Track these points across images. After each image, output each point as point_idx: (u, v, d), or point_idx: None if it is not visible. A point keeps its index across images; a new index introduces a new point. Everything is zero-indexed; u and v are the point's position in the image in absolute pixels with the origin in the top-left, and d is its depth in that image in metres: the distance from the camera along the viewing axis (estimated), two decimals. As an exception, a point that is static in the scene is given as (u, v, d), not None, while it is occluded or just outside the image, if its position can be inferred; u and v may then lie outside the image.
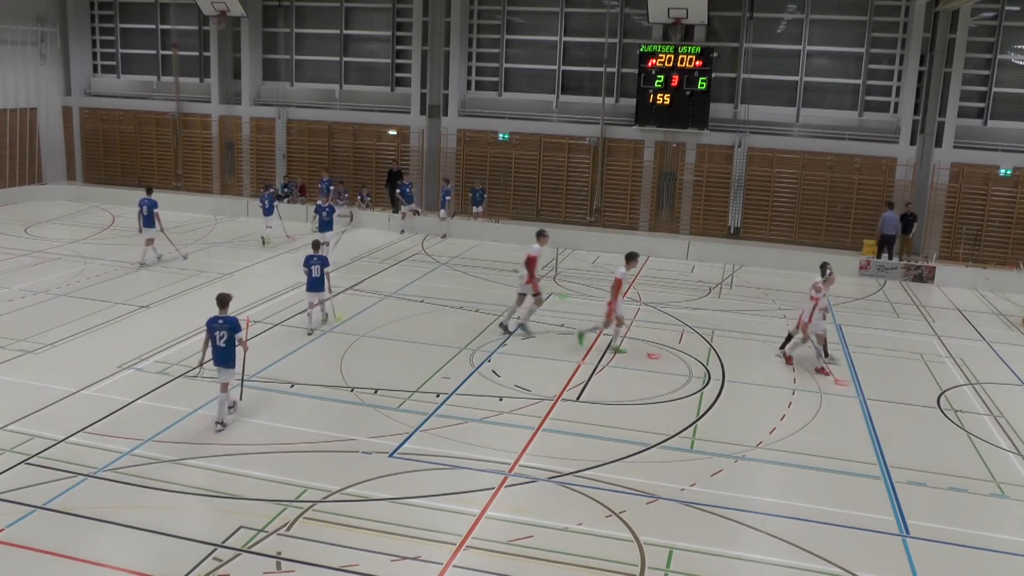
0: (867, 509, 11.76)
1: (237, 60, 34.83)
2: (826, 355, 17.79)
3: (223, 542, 9.98)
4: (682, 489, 11.91)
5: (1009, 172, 28.21)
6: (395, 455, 12.51)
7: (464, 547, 10.13)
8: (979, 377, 17.99)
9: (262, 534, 10.19)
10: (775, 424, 14.58)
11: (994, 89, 28.81)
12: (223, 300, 13.32)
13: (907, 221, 28.35)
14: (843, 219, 29.25)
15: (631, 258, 18.31)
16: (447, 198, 30.25)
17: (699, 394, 15.92)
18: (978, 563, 10.64)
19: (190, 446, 12.48)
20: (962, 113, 28.63)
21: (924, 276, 27.42)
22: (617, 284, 17.87)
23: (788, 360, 17.83)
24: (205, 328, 13.24)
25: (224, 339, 12.99)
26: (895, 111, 29.51)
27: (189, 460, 12.03)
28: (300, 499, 11.04)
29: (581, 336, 18.41)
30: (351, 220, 30.31)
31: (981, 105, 29.03)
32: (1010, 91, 28.77)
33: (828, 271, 18.02)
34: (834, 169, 29.34)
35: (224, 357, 13.08)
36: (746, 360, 18.03)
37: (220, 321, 13.07)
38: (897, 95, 29.45)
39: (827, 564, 10.22)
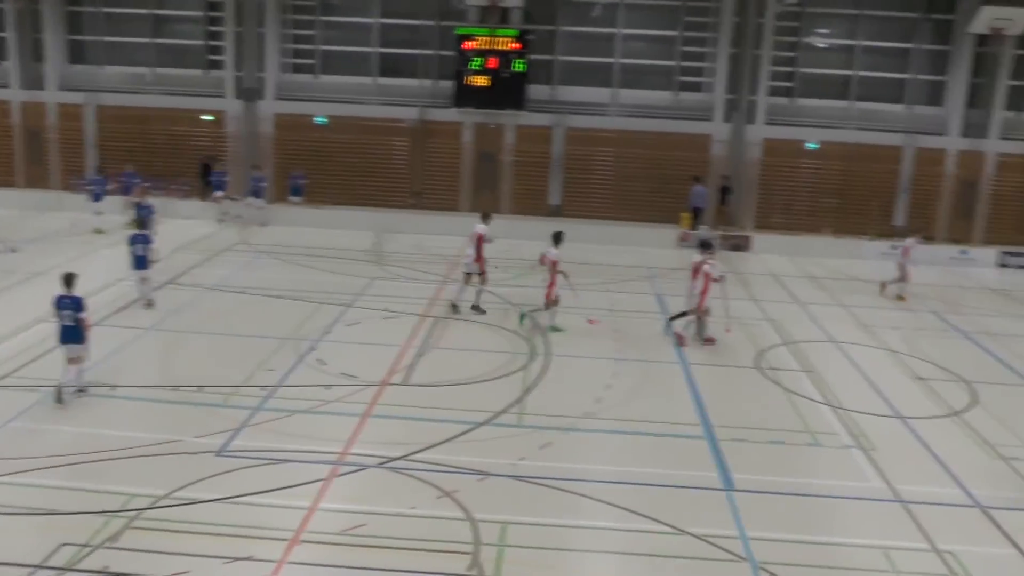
0: (692, 468, 12.31)
1: (39, 41, 32.50)
2: (671, 319, 18.58)
3: (43, 562, 9.34)
4: (513, 464, 12.08)
5: (816, 145, 30.09)
6: (222, 453, 12.15)
7: (297, 542, 9.95)
8: (793, 337, 19.10)
9: (87, 549, 9.62)
10: (601, 394, 15.00)
11: (800, 69, 30.58)
12: (69, 279, 13.61)
13: (724, 193, 29.71)
14: (661, 194, 30.23)
15: (558, 238, 18.69)
16: (262, 185, 29.51)
17: (524, 369, 16.18)
18: (796, 508, 11.37)
19: (1, 462, 11.65)
20: (772, 92, 30.30)
21: (741, 245, 28.76)
22: (552, 265, 18.27)
23: (682, 341, 18.06)
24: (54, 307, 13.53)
25: (71, 317, 13.44)
26: (710, 91, 30.72)
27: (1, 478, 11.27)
28: (125, 508, 10.51)
29: (522, 317, 18.77)
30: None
31: (789, 84, 30.72)
32: (814, 71, 30.86)
33: (712, 246, 18.69)
34: (651, 147, 30.26)
35: (72, 335, 13.53)
36: (569, 334, 18.44)
37: (67, 300, 13.48)
38: (711, 76, 30.67)
39: (657, 524, 10.62)
